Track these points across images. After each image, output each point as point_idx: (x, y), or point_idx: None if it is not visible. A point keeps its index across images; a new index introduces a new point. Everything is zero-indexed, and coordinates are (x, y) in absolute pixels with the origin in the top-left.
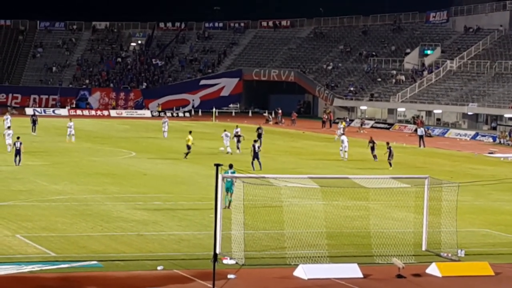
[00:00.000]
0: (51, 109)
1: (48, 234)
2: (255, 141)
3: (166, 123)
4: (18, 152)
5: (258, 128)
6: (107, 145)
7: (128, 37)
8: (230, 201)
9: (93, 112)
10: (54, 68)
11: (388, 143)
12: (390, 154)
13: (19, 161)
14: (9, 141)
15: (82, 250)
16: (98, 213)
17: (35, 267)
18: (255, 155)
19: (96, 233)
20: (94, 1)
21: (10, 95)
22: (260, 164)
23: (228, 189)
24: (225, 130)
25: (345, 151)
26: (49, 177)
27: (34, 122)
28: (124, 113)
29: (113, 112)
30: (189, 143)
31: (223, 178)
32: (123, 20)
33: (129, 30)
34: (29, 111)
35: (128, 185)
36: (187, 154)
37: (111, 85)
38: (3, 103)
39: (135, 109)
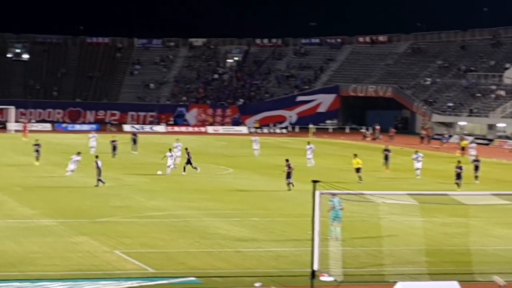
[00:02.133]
0: (149, 126)
1: (147, 250)
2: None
3: (256, 141)
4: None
5: (385, 150)
6: (204, 162)
7: (225, 54)
8: (337, 234)
9: (190, 129)
10: (151, 85)
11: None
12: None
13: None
14: (72, 167)
15: (180, 266)
16: (196, 230)
17: (134, 283)
18: None
19: (194, 249)
20: (191, 18)
21: (108, 112)
22: None
23: (336, 218)
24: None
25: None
26: (147, 193)
27: (134, 141)
28: (221, 129)
29: (210, 129)
30: (357, 166)
31: (320, 194)
32: (220, 36)
33: (226, 47)
34: (126, 127)
35: (225, 202)
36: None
37: (208, 101)
38: (101, 120)
39: (232, 125)
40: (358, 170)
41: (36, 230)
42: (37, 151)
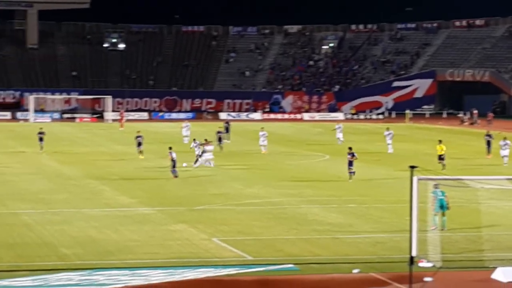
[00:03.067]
0: (245, 114)
1: (244, 237)
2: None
3: (340, 129)
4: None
5: (487, 135)
6: (301, 149)
7: (320, 40)
8: (443, 224)
9: (286, 116)
10: (247, 73)
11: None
12: None
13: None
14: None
15: (278, 253)
16: (293, 216)
17: (232, 271)
18: None
19: (291, 236)
20: (286, 5)
21: (204, 100)
22: None
23: (442, 207)
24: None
25: None
26: (244, 181)
27: (226, 129)
28: (317, 116)
29: (306, 116)
30: (441, 153)
31: (418, 180)
32: (315, 23)
33: (321, 33)
34: (223, 115)
35: (322, 188)
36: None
37: (304, 88)
38: (197, 108)
39: (328, 112)
40: (441, 157)
41: (135, 218)
42: (139, 143)
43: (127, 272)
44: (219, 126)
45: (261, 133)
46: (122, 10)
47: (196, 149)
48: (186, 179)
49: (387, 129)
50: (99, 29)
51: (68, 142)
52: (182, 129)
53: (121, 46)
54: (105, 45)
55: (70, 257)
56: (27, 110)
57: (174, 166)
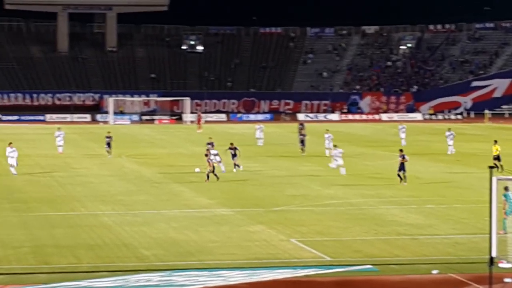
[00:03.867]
0: (323, 115)
1: (323, 238)
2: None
3: (403, 129)
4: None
5: None
6: (379, 149)
7: (398, 41)
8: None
9: (364, 117)
10: (324, 74)
11: None
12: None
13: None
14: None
15: (356, 254)
16: (372, 217)
17: (311, 271)
18: None
19: (370, 237)
20: (363, 6)
21: (282, 101)
22: None
23: None
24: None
25: None
26: (322, 182)
27: (301, 132)
28: (395, 116)
29: (384, 116)
30: (496, 154)
31: (497, 180)
32: (392, 23)
33: (399, 34)
34: (300, 116)
35: (401, 189)
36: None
37: (381, 89)
38: (275, 109)
39: (406, 112)
40: (497, 157)
41: (213, 219)
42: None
43: (206, 273)
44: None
45: (326, 135)
46: (200, 12)
47: (217, 157)
48: (263, 180)
49: (449, 129)
50: (178, 31)
51: (147, 144)
52: (256, 131)
53: (200, 48)
54: (184, 47)
55: (150, 258)
56: (106, 112)
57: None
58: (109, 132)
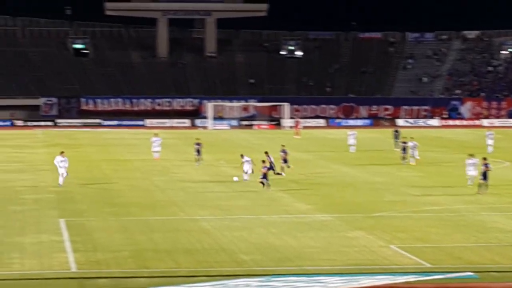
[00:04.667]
0: (422, 120)
1: (422, 244)
2: None
3: (491, 135)
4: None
5: None
6: (480, 155)
7: (499, 46)
8: None
9: (464, 122)
10: (424, 79)
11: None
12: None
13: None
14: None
15: (456, 261)
16: (473, 224)
17: (410, 278)
18: None
19: (470, 243)
20: (464, 10)
21: (381, 107)
22: None
23: None
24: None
25: None
26: (421, 188)
27: (396, 137)
28: (496, 122)
29: (485, 122)
30: None
31: None
32: (494, 28)
33: (500, 38)
34: (400, 122)
35: (503, 195)
36: None
37: (482, 94)
38: (374, 115)
39: (508, 118)
40: None
41: (312, 225)
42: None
43: (304, 278)
44: (403, 137)
45: (411, 143)
46: (299, 17)
47: (246, 163)
48: (361, 185)
49: (488, 129)
50: (276, 36)
51: (245, 149)
52: (348, 137)
53: (298, 53)
54: (282, 52)
55: (249, 263)
56: (205, 117)
57: (271, 168)
58: (198, 139)
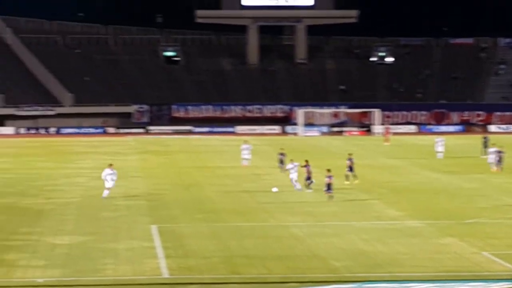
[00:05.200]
0: None
1: None
2: None
3: None
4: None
5: None
6: None
7: None
8: None
9: None
10: None
11: None
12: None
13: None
14: None
15: None
16: None
17: (504, 285)
18: None
19: None
20: None
21: (473, 113)
22: None
23: None
24: None
25: None
26: None
27: (485, 145)
28: None
29: None
30: None
31: None
32: None
33: None
34: (492, 128)
35: None
36: None
37: None
38: (466, 121)
39: None
40: None
41: (403, 231)
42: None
43: (396, 285)
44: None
45: (492, 149)
46: (390, 23)
47: (292, 171)
48: (453, 192)
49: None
50: (367, 43)
51: (335, 155)
52: (436, 144)
53: (389, 59)
54: (373, 58)
55: (340, 269)
56: (296, 124)
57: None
58: (282, 149)
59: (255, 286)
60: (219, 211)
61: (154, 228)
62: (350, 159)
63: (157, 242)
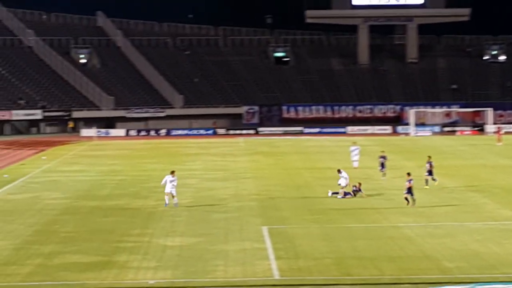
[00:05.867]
0: None
1: None
2: None
3: None
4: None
5: None
6: None
7: None
8: None
9: None
10: None
11: None
12: None
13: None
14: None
15: None
16: None
17: None
18: None
19: None
20: None
21: None
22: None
23: None
24: None
25: None
26: None
27: None
28: None
29: None
30: None
31: None
32: None
33: None
34: None
35: None
36: None
37: None
38: None
39: None
40: None
41: None
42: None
43: (510, 286)
44: None
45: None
46: (503, 21)
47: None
48: None
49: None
50: (479, 41)
51: (448, 155)
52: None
53: (502, 57)
54: (485, 57)
55: (453, 270)
56: (407, 124)
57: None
58: (383, 152)
59: None
60: (329, 212)
61: (264, 229)
62: (429, 163)
63: (268, 243)
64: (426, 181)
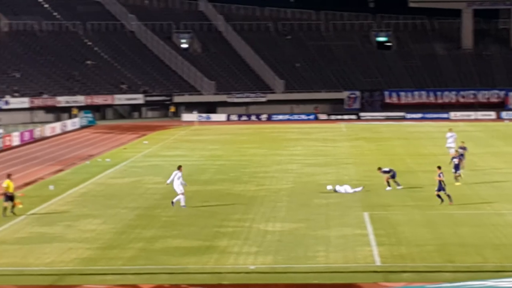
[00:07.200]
0: None
1: None
2: None
3: None
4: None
5: None
6: None
7: None
8: None
9: None
10: None
11: None
12: None
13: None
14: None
15: None
16: None
17: None
18: None
19: None
20: None
21: None
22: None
23: None
24: None
25: None
26: None
27: None
28: None
29: None
30: None
31: None
32: None
33: None
34: None
35: None
36: None
37: None
38: None
39: None
40: None
41: None
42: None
43: None
44: None
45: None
46: None
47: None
48: None
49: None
50: None
51: None
52: None
53: None
54: None
55: None
56: (511, 109)
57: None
58: (462, 142)
59: (470, 275)
60: (431, 199)
61: (366, 215)
62: (458, 157)
63: (369, 229)
64: (456, 178)
